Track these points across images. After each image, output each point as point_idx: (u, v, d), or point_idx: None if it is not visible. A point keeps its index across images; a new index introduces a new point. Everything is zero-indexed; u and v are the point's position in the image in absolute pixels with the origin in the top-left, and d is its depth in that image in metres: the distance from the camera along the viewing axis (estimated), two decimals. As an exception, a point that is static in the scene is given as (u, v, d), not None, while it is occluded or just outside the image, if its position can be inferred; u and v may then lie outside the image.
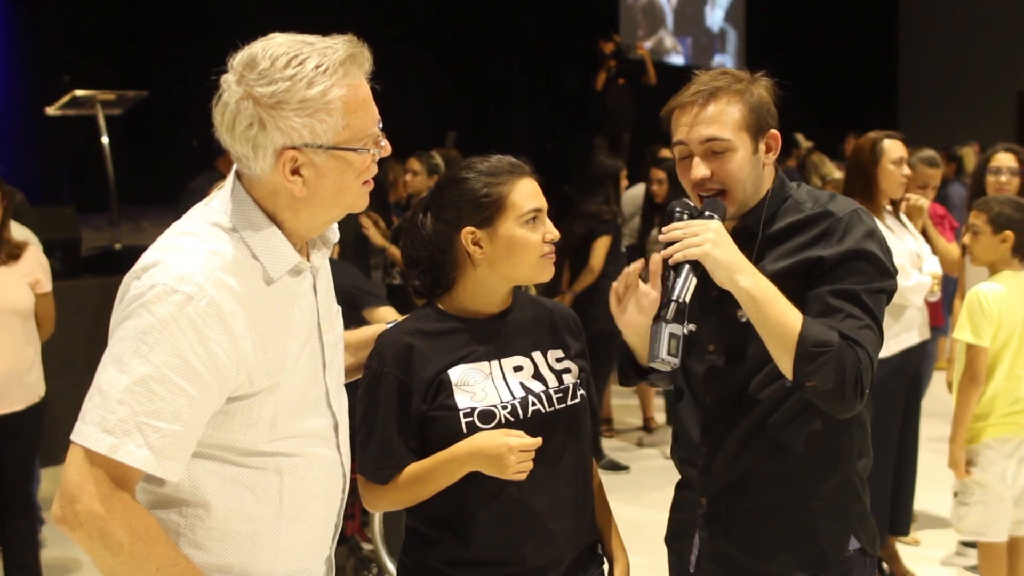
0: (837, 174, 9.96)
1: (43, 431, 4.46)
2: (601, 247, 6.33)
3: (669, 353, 2.05)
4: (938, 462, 5.83)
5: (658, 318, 2.08)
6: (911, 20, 19.66)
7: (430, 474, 2.15)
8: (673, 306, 2.07)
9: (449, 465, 2.13)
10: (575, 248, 6.35)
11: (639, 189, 7.51)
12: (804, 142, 10.66)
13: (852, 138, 12.28)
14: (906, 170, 4.41)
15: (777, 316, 2.09)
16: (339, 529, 2.05)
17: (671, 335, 2.05)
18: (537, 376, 2.23)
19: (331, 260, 4.31)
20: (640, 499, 5.85)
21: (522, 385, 2.20)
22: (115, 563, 1.68)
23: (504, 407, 2.15)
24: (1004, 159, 4.78)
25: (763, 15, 17.86)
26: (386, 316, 4.35)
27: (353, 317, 4.31)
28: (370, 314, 4.41)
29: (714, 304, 2.27)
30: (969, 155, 10.12)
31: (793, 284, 2.17)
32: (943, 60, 18.65)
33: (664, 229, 2.16)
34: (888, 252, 2.24)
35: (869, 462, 2.38)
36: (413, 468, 2.17)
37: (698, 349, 2.32)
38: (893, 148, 4.37)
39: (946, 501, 5.48)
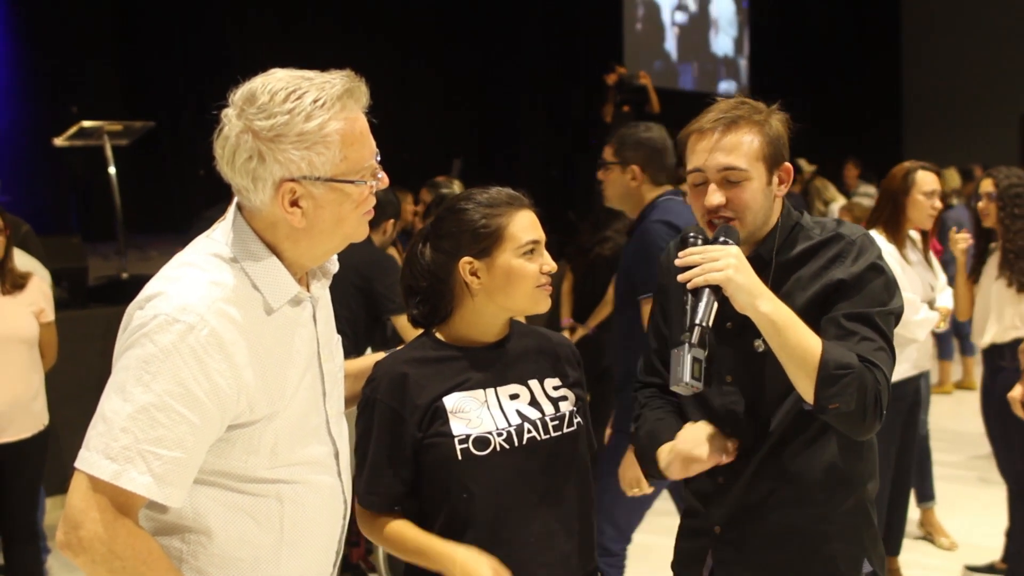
0: (840, 199, 9.97)
1: (47, 459, 4.48)
2: None
3: (693, 377, 2.04)
4: (941, 487, 5.83)
5: (680, 342, 2.08)
6: (915, 44, 19.72)
7: (420, 552, 2.15)
8: (697, 330, 2.07)
9: (440, 558, 2.12)
10: (602, 270, 5.97)
11: None
12: (807, 167, 10.67)
13: (852, 164, 12.28)
14: (937, 203, 4.42)
15: (797, 341, 2.10)
16: (340, 556, 2.06)
17: (694, 359, 2.05)
18: (533, 404, 2.24)
19: (370, 255, 4.31)
20: (645, 524, 5.83)
21: (518, 412, 2.21)
22: None
23: (499, 434, 2.16)
24: (984, 185, 4.80)
25: (768, 40, 17.93)
26: (408, 326, 4.34)
27: (372, 315, 4.33)
28: (396, 321, 4.41)
29: (731, 335, 2.28)
30: (952, 176, 10.12)
31: (817, 312, 2.20)
32: (947, 83, 18.68)
33: (681, 254, 2.17)
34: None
35: (877, 485, 2.39)
36: (411, 533, 2.16)
37: (715, 380, 2.32)
38: (925, 180, 4.38)
39: (951, 525, 5.50)
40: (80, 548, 1.68)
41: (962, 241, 4.82)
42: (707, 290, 2.11)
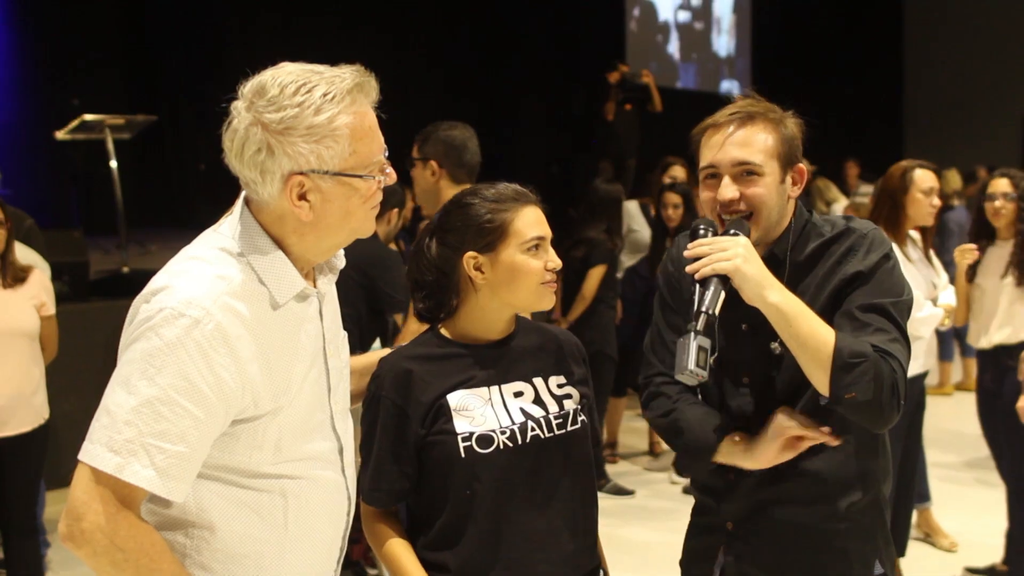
0: (843, 200, 9.97)
1: (47, 453, 4.48)
2: (596, 275, 6.41)
3: (698, 365, 2.03)
4: (941, 488, 5.84)
5: (686, 331, 2.07)
6: (917, 44, 19.72)
7: None
8: (703, 318, 2.06)
9: None
10: (574, 271, 6.40)
11: (630, 205, 7.54)
12: (807, 167, 10.66)
13: (853, 164, 12.27)
14: (935, 200, 4.43)
15: (809, 330, 2.09)
16: (344, 552, 2.06)
17: (699, 347, 2.03)
18: (537, 401, 2.23)
19: (373, 251, 4.31)
20: (646, 524, 5.85)
21: (522, 410, 2.20)
22: None
23: (503, 432, 2.15)
24: (999, 185, 4.78)
25: (769, 40, 17.93)
26: (411, 323, 4.33)
27: (375, 311, 4.33)
28: (399, 318, 4.40)
29: (747, 337, 2.27)
30: (954, 176, 10.13)
31: (837, 309, 2.20)
32: (949, 84, 18.68)
33: (690, 245, 2.17)
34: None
35: (890, 486, 2.39)
36: (405, 561, 2.16)
37: (731, 382, 2.32)
38: (924, 178, 4.39)
39: (950, 526, 5.50)
40: (82, 540, 1.68)
41: (970, 255, 4.80)
42: (715, 280, 2.10)
